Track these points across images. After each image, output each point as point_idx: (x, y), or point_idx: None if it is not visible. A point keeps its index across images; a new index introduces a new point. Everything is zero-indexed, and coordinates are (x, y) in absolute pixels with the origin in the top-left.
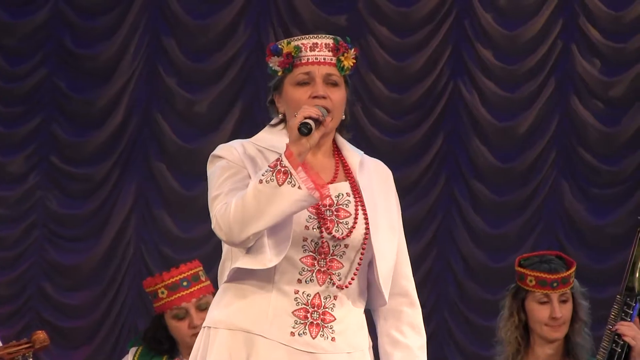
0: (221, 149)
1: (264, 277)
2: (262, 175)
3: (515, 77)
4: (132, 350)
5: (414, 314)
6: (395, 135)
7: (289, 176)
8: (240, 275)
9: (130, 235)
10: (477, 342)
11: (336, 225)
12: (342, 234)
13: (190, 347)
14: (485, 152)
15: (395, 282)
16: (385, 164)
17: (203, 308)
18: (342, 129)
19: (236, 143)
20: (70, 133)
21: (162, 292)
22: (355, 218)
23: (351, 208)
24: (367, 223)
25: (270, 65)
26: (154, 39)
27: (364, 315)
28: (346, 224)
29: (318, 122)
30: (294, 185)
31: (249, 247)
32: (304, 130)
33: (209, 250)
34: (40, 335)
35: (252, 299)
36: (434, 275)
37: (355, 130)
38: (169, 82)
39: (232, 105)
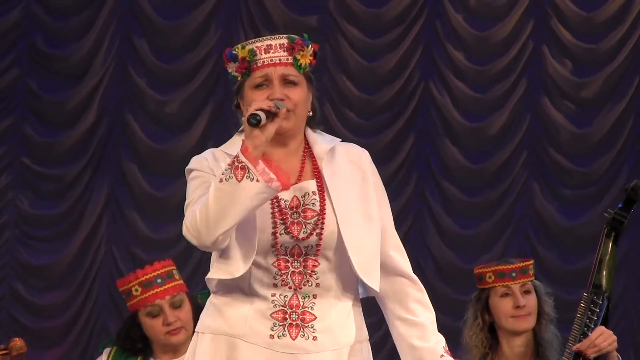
0: (192, 162)
1: (242, 286)
2: (222, 174)
3: (486, 78)
4: (106, 350)
5: (419, 291)
6: (365, 136)
7: (247, 171)
8: (222, 286)
9: (101, 236)
10: (446, 342)
11: (304, 226)
12: (307, 233)
13: (164, 347)
14: (456, 153)
15: (389, 265)
16: (367, 153)
17: (177, 306)
18: (312, 124)
19: (207, 153)
20: (42, 134)
21: (136, 290)
22: (322, 216)
23: (318, 206)
24: (335, 218)
25: (229, 71)
26: (125, 39)
27: (354, 309)
28: (314, 223)
29: (271, 114)
30: (253, 179)
31: (222, 255)
32: (252, 121)
33: (179, 251)
34: (18, 343)
35: (234, 305)
36: None
37: (326, 131)
38: (140, 83)
39: (203, 106)
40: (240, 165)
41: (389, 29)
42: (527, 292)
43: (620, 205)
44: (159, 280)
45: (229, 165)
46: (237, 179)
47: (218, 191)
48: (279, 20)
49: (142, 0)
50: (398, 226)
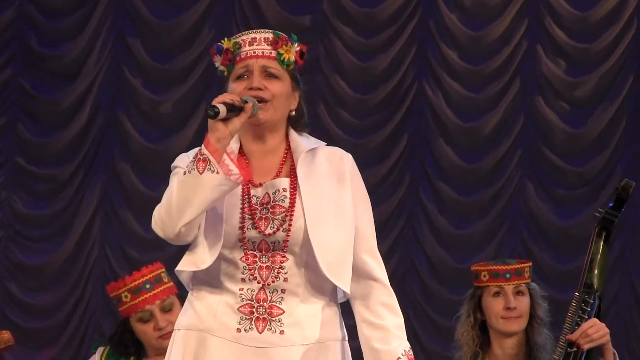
0: (177, 159)
1: (212, 280)
2: (187, 166)
3: (480, 77)
4: (99, 350)
5: (386, 294)
6: (359, 135)
7: (208, 163)
8: (194, 281)
9: (94, 235)
10: (440, 342)
11: (271, 222)
12: (274, 229)
13: (156, 350)
14: (449, 153)
15: (361, 268)
16: (350, 157)
17: (167, 309)
18: (295, 125)
19: (192, 151)
20: (35, 133)
21: (126, 296)
22: (291, 213)
23: (287, 203)
24: (304, 216)
25: (216, 65)
26: (119, 39)
27: (328, 307)
28: (281, 219)
29: (235, 108)
30: (213, 171)
31: (190, 248)
32: (210, 112)
33: (173, 251)
34: (5, 335)
35: (205, 300)
36: (399, 276)
37: (320, 130)
38: (133, 83)
39: (196, 105)
40: (202, 157)
41: (382, 28)
42: (519, 293)
43: (611, 205)
44: (147, 286)
45: (193, 157)
46: (198, 171)
47: (181, 183)
48: (273, 19)
49: (136, 0)
50: (392, 226)
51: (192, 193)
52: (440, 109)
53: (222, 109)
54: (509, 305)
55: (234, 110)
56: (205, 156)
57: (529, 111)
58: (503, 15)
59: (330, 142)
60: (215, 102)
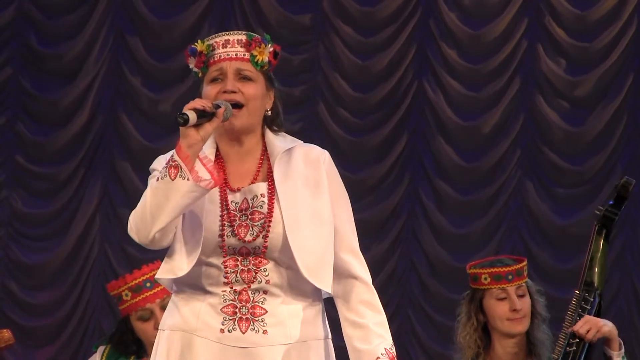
0: (155, 161)
1: (194, 283)
2: (159, 172)
3: (480, 76)
4: (100, 349)
5: (367, 292)
6: (359, 134)
7: (180, 169)
8: (179, 284)
9: (95, 234)
10: (440, 341)
11: (250, 228)
12: (253, 235)
13: None
14: (449, 152)
15: (341, 267)
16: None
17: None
18: (270, 125)
19: (170, 152)
20: (35, 132)
21: (126, 295)
22: (269, 219)
23: (265, 209)
24: (282, 221)
25: (190, 67)
26: (119, 38)
27: (311, 307)
28: (261, 225)
29: (207, 113)
30: (184, 177)
31: (168, 254)
32: (180, 120)
33: None
34: (5, 334)
35: (188, 301)
36: (398, 275)
37: (320, 129)
38: (133, 82)
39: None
40: (174, 164)
41: (382, 27)
42: (522, 295)
43: (610, 202)
44: (148, 284)
45: (165, 163)
46: (170, 178)
47: (154, 189)
48: (272, 18)
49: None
50: (391, 224)
51: (164, 199)
52: (440, 107)
53: (192, 116)
54: (515, 307)
55: (206, 115)
56: (176, 162)
57: (528, 110)
58: (503, 14)
59: (330, 141)
60: (185, 109)
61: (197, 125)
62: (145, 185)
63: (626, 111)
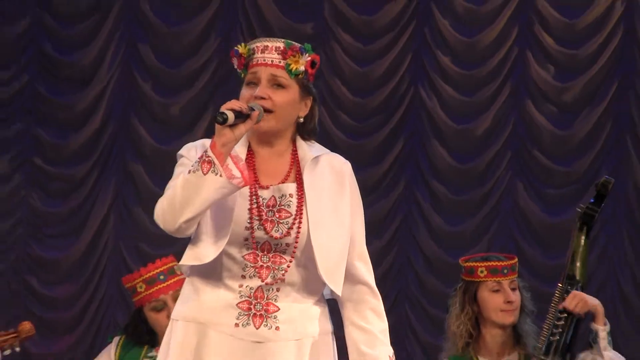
0: (183, 148)
1: (212, 274)
2: (192, 166)
3: (473, 82)
4: (115, 339)
5: (375, 301)
6: (358, 137)
7: (213, 165)
8: (194, 273)
9: (109, 231)
10: (435, 334)
11: (276, 225)
12: (281, 233)
13: None
14: (444, 154)
15: (352, 273)
16: (349, 165)
17: None
18: (302, 132)
19: (199, 142)
20: (52, 136)
21: (141, 287)
22: (295, 218)
23: (292, 208)
24: (307, 222)
25: (235, 67)
26: (130, 46)
27: (318, 304)
28: (286, 223)
29: (242, 115)
30: (217, 173)
31: (193, 242)
32: (219, 119)
33: (183, 246)
34: (26, 326)
35: (204, 293)
36: (395, 271)
37: (321, 132)
38: (144, 87)
39: (204, 108)
40: (207, 159)
41: (380, 35)
42: (514, 289)
43: (591, 201)
44: (161, 277)
45: (198, 158)
46: (202, 172)
47: (185, 181)
48: (277, 27)
49: (146, 9)
50: (389, 223)
51: (194, 192)
52: (435, 112)
53: (231, 116)
54: (509, 299)
55: (241, 117)
56: (210, 158)
57: (518, 114)
58: (494, 22)
59: (331, 144)
60: (224, 109)
61: (232, 125)
62: (157, 186)
63: (611, 116)
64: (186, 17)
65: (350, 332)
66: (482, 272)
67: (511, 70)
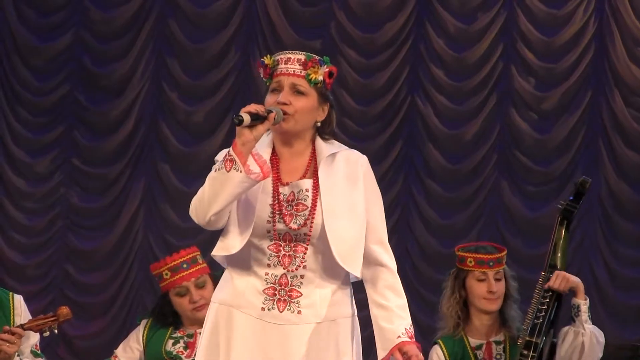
0: (219, 154)
1: (242, 264)
2: (217, 165)
3: (463, 92)
4: (143, 322)
5: (392, 278)
6: (361, 141)
7: (234, 163)
8: (229, 263)
9: (139, 225)
10: (429, 314)
11: (294, 217)
12: (299, 224)
13: (191, 320)
14: (437, 156)
15: (371, 256)
16: (365, 158)
17: (201, 286)
18: (321, 133)
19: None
20: (88, 139)
21: (166, 274)
22: (311, 210)
23: (308, 202)
24: (322, 214)
25: (261, 75)
26: (159, 60)
27: (340, 289)
28: (303, 215)
29: (260, 117)
30: (238, 170)
31: (223, 235)
32: (235, 120)
33: (205, 238)
34: (64, 310)
35: (235, 280)
36: (395, 259)
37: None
38: (171, 96)
39: (224, 115)
40: (229, 158)
41: (381, 51)
42: (499, 278)
43: (571, 198)
44: (185, 265)
45: (223, 157)
46: (226, 169)
47: (212, 179)
48: (289, 43)
49: (174, 27)
50: (388, 216)
51: (220, 188)
52: (429, 118)
53: (246, 118)
54: (491, 289)
55: (259, 118)
56: (232, 157)
57: (503, 121)
58: (482, 40)
59: None
60: (242, 112)
61: (251, 126)
62: (181, 183)
63: (585, 122)
64: (209, 35)
65: (371, 310)
66: (470, 262)
67: (496, 82)
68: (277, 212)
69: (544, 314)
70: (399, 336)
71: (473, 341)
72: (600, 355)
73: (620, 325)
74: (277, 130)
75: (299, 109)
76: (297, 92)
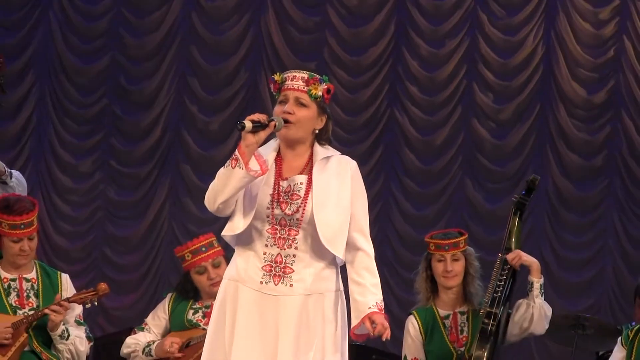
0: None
1: (246, 244)
2: (226, 163)
3: (434, 105)
4: (168, 295)
5: (368, 261)
6: (349, 145)
7: (238, 161)
8: (237, 243)
9: (165, 215)
10: (407, 290)
11: (289, 205)
12: (292, 210)
13: (208, 294)
14: (412, 158)
15: (352, 242)
16: (354, 163)
17: (217, 266)
18: (319, 139)
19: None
20: (123, 144)
21: (188, 256)
22: (303, 199)
23: (302, 192)
24: (312, 203)
25: (272, 89)
26: (182, 78)
27: (329, 268)
28: (296, 204)
29: (261, 124)
30: (240, 167)
31: (230, 218)
32: (239, 126)
33: (220, 226)
34: (103, 286)
35: (240, 259)
36: (377, 245)
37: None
38: (191, 109)
39: (236, 125)
40: (234, 157)
41: (365, 71)
42: (455, 260)
43: (523, 193)
44: (203, 249)
45: (231, 157)
46: (231, 167)
47: (220, 174)
48: (288, 65)
49: (194, 51)
50: (372, 209)
51: (226, 181)
52: (405, 127)
53: (248, 125)
54: (447, 268)
55: (261, 125)
56: (236, 157)
57: (467, 129)
58: (449, 62)
59: None
60: (246, 119)
61: (253, 132)
62: (201, 181)
63: (535, 130)
64: (223, 58)
65: (350, 287)
66: (432, 246)
67: (461, 97)
68: (275, 200)
69: (501, 288)
70: (370, 307)
71: (442, 312)
72: (547, 326)
73: (564, 298)
74: (282, 135)
75: (301, 118)
76: (300, 104)
